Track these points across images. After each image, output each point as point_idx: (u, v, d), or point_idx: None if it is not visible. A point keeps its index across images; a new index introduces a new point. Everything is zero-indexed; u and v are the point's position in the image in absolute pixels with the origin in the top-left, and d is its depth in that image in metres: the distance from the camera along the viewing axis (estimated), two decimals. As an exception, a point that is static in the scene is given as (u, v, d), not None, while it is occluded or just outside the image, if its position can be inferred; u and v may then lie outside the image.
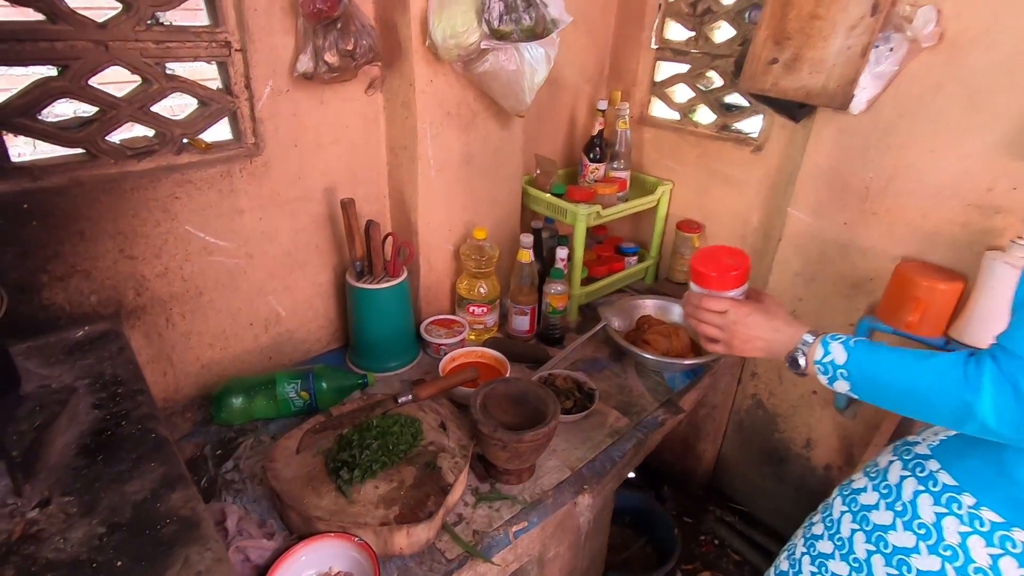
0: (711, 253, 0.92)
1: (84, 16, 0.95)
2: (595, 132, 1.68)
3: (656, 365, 1.42)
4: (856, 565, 0.83)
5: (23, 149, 1.00)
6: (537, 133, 1.70)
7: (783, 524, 1.77)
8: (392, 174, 1.43)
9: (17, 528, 0.70)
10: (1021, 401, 0.63)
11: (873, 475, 0.87)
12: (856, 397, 0.79)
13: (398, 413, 1.13)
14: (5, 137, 0.94)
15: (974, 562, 0.72)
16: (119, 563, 0.65)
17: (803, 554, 0.93)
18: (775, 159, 1.55)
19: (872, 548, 0.82)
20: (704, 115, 1.72)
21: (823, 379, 0.80)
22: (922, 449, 0.82)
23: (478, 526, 1.01)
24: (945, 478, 0.77)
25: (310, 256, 1.37)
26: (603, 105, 1.67)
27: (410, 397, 1.15)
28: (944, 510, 0.75)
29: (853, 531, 0.85)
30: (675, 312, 1.59)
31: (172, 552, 0.66)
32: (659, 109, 1.81)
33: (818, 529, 0.92)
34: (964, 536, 0.73)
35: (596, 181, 1.69)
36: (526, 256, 1.48)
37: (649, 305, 1.63)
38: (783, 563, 0.98)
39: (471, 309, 1.52)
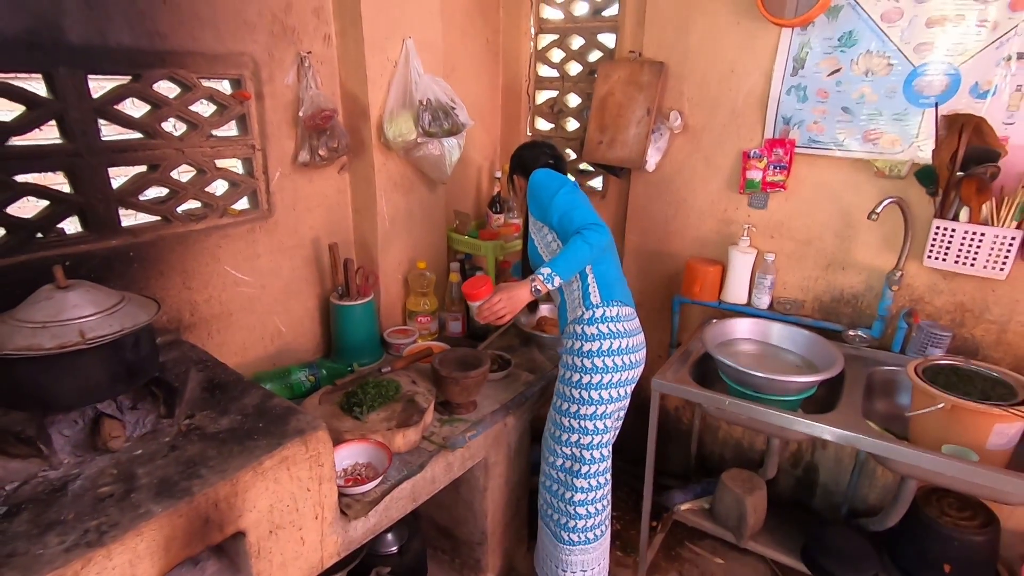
0: (472, 283, 1.57)
1: (170, 133, 1.51)
2: (495, 193, 2.40)
3: (550, 341, 2.08)
4: None
5: (127, 217, 1.50)
6: (455, 195, 2.39)
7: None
8: (356, 226, 2.03)
9: (182, 426, 1.20)
10: (588, 240, 1.44)
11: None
12: (564, 281, 1.49)
13: (383, 378, 1.69)
14: (120, 210, 1.46)
15: None
16: (260, 425, 1.17)
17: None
18: (614, 203, 2.34)
19: None
20: (567, 178, 2.51)
21: (548, 285, 1.46)
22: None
23: (444, 435, 1.58)
24: None
25: (302, 287, 1.92)
26: (499, 174, 2.41)
27: (389, 369, 1.73)
28: None
29: None
30: (562, 311, 2.28)
31: (288, 418, 1.20)
32: (537, 175, 2.58)
33: None
34: None
35: (499, 227, 2.39)
36: (455, 277, 2.13)
37: (544, 309, 2.30)
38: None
39: (419, 319, 2.12)
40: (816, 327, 1.85)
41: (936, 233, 1.61)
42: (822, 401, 1.64)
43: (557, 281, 1.46)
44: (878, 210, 1.60)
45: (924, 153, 1.65)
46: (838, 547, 1.74)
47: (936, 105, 1.59)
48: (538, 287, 1.48)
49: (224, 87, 1.62)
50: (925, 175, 1.63)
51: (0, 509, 0.96)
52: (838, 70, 1.70)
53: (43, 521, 0.93)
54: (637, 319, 1.63)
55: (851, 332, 1.80)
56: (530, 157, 1.75)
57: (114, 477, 1.04)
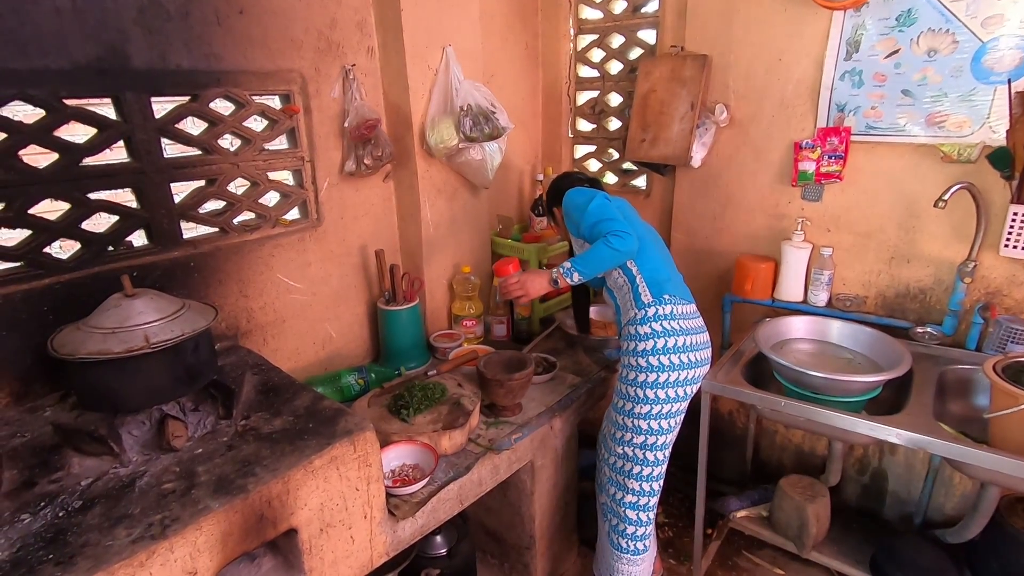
0: (502, 263, 1.75)
1: (226, 149, 1.59)
2: (537, 196, 2.40)
3: (597, 344, 2.05)
4: None
5: (188, 229, 1.58)
6: (498, 199, 2.40)
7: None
8: (402, 233, 2.07)
9: (239, 427, 1.25)
10: (611, 245, 1.48)
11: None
12: (584, 279, 1.55)
13: (429, 381, 1.71)
14: (181, 222, 1.54)
15: None
16: (311, 426, 1.21)
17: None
18: (658, 202, 2.29)
19: None
20: (610, 178, 2.48)
21: (567, 280, 1.54)
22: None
23: (490, 438, 1.59)
24: None
25: (350, 293, 1.97)
26: (540, 177, 2.40)
27: (436, 372, 1.74)
28: None
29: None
30: (608, 315, 2.24)
31: (337, 419, 1.23)
32: (579, 177, 2.56)
33: None
34: None
35: (542, 229, 2.38)
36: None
37: (592, 311, 2.27)
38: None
39: (464, 323, 2.13)
40: (880, 324, 1.74)
41: (1014, 220, 1.49)
42: (889, 403, 1.54)
43: (576, 277, 1.54)
44: (945, 197, 1.49)
45: (997, 134, 1.53)
46: (911, 559, 1.62)
47: (1009, 82, 1.47)
48: (557, 279, 1.58)
49: (274, 103, 1.69)
50: (999, 158, 1.51)
51: (76, 503, 1.03)
52: (896, 51, 1.61)
53: (113, 515, 0.98)
54: (699, 319, 1.62)
55: (920, 329, 1.68)
56: (566, 184, 1.80)
57: (176, 475, 1.09)
